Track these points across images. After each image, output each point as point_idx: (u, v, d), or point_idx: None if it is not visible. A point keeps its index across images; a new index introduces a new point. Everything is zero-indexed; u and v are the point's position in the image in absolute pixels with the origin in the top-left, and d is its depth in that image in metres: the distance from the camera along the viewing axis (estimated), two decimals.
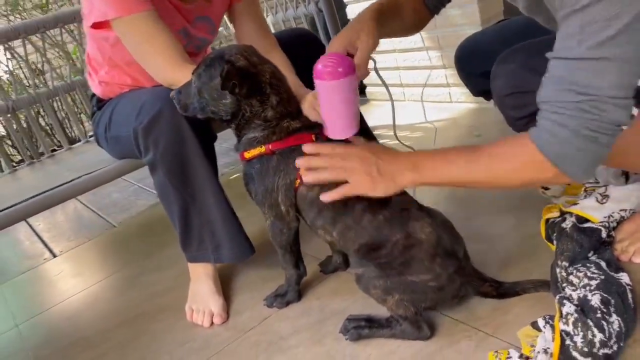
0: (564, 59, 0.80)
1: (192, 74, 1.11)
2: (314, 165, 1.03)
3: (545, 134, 0.83)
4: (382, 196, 0.99)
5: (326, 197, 1.02)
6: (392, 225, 1.03)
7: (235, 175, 2.34)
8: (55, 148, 2.46)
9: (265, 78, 1.08)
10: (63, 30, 2.11)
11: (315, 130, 1.11)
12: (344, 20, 2.72)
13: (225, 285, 1.45)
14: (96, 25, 1.26)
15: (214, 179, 1.29)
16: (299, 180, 1.09)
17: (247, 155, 1.13)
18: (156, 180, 1.31)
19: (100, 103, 1.55)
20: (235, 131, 1.16)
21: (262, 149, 1.11)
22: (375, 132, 2.32)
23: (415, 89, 2.47)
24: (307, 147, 1.05)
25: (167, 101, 1.19)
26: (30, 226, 2.51)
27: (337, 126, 1.07)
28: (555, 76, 0.82)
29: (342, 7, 2.61)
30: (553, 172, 0.84)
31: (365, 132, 1.27)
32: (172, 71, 1.22)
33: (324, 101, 1.05)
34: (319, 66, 1.02)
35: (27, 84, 2.62)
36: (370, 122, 2.41)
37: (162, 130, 1.20)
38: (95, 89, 1.53)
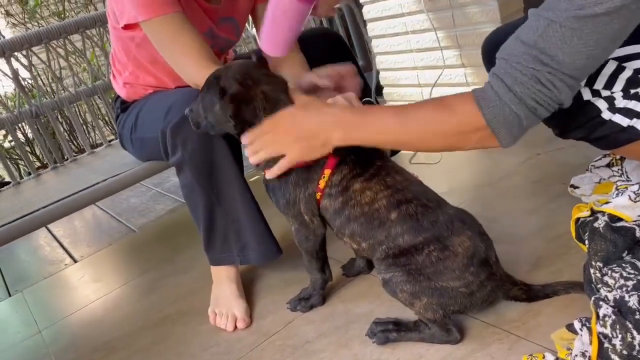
0: (544, 18, 0.78)
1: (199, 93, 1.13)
2: (253, 150, 1.05)
3: (490, 93, 0.83)
4: (318, 158, 1.01)
5: (270, 173, 1.06)
6: (429, 240, 1.00)
7: (258, 177, 2.33)
8: (76, 153, 2.48)
9: (258, 103, 1.06)
10: (84, 36, 2.12)
11: None
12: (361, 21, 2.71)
13: (247, 289, 1.44)
14: (126, 27, 1.27)
15: (241, 178, 1.29)
16: (319, 194, 1.09)
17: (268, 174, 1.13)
18: (183, 180, 1.31)
19: (124, 105, 1.56)
20: None
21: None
22: None
23: (434, 88, 2.44)
24: (244, 139, 1.07)
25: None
26: (51, 232, 2.53)
27: (273, 40, 1.06)
28: (526, 36, 0.80)
29: (358, 5, 2.59)
30: (483, 132, 0.84)
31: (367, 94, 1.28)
32: (199, 71, 1.21)
33: (273, 11, 1.03)
34: None
35: (47, 90, 2.63)
36: None
37: (190, 130, 1.20)
38: (120, 90, 1.54)
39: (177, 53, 1.24)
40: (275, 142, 1.02)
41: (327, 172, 1.07)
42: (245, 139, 1.07)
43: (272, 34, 1.06)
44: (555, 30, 0.76)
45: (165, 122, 1.24)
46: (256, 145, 1.05)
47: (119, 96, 1.57)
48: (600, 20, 0.73)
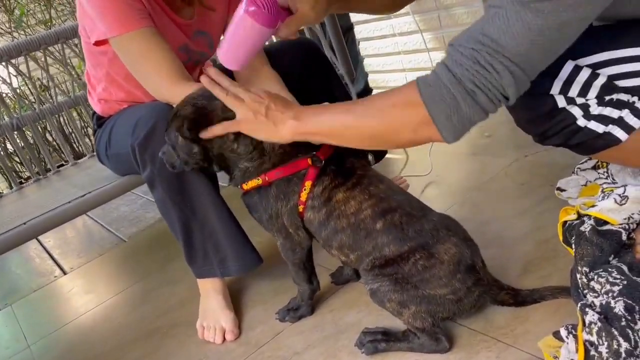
0: (492, 7, 0.77)
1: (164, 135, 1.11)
2: (214, 92, 1.02)
3: (432, 76, 0.81)
4: (262, 139, 1.01)
5: (206, 133, 1.04)
6: (415, 249, 0.99)
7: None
8: (63, 163, 2.45)
9: (217, 115, 1.04)
10: (65, 46, 2.10)
11: (310, 154, 1.07)
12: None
13: (235, 300, 1.43)
14: (97, 43, 1.25)
15: (213, 192, 1.27)
16: (302, 207, 1.08)
17: (245, 187, 1.12)
18: (156, 195, 1.30)
19: (100, 121, 1.55)
20: (226, 173, 1.14)
21: (258, 181, 1.09)
22: None
23: None
24: (209, 72, 1.04)
25: (162, 115, 1.18)
26: (41, 243, 2.51)
27: (232, 55, 1.05)
28: (476, 24, 0.79)
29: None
30: (422, 116, 0.82)
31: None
32: (168, 88, 1.20)
33: (234, 28, 1.02)
34: (252, 3, 0.98)
35: (32, 100, 2.61)
36: None
37: (157, 145, 1.18)
38: (95, 106, 1.53)
39: (147, 69, 1.22)
40: (237, 100, 1.00)
41: (308, 183, 1.06)
42: (208, 73, 1.04)
43: (232, 49, 1.05)
44: (500, 16, 0.75)
45: (133, 138, 1.22)
46: (219, 91, 1.01)
47: (95, 112, 1.55)
48: (543, 6, 0.72)
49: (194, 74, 1.46)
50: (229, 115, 1.03)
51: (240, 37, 1.02)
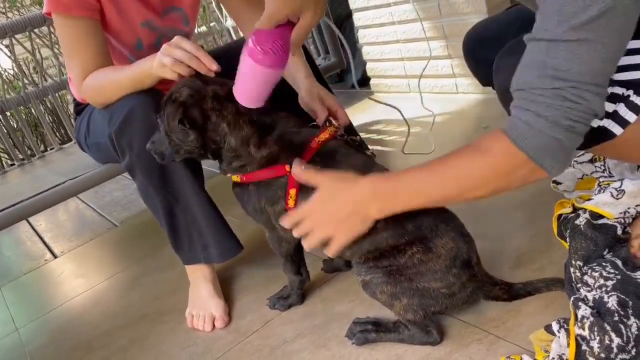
0: (543, 41, 0.75)
1: (157, 118, 1.07)
2: (299, 234, 0.98)
3: (520, 125, 0.79)
4: (364, 231, 0.95)
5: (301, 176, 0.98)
6: (412, 242, 0.98)
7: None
8: (50, 147, 2.43)
9: (207, 104, 1.01)
10: (52, 29, 2.06)
11: (289, 160, 1.03)
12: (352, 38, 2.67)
13: (226, 288, 1.42)
14: (47, 14, 1.25)
15: (192, 178, 1.25)
16: (288, 207, 1.05)
17: (233, 178, 1.11)
18: (137, 183, 1.28)
19: (78, 107, 1.53)
20: (218, 162, 1.11)
21: (237, 178, 1.09)
22: (375, 127, 2.28)
23: (421, 80, 2.41)
24: (285, 222, 0.99)
25: (137, 102, 1.17)
26: (32, 226, 2.49)
27: (247, 95, 1.01)
28: (533, 60, 0.77)
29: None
30: (528, 167, 0.80)
31: (349, 130, 1.23)
32: (77, 80, 1.25)
33: (246, 71, 0.97)
34: (256, 45, 0.92)
35: (23, 83, 2.59)
36: (373, 116, 2.38)
37: (134, 131, 1.17)
38: (74, 91, 1.50)
39: (72, 58, 1.26)
40: (319, 228, 0.96)
41: (293, 192, 1.03)
42: (285, 222, 0.99)
43: (247, 92, 1.01)
44: (559, 47, 0.73)
45: (110, 126, 1.21)
46: (301, 230, 0.98)
47: (74, 98, 1.53)
48: (597, 24, 0.71)
49: None
50: (217, 107, 1.01)
51: (254, 82, 0.98)
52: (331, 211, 0.94)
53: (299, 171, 0.98)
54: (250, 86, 1.00)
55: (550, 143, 0.78)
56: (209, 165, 1.40)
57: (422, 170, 0.90)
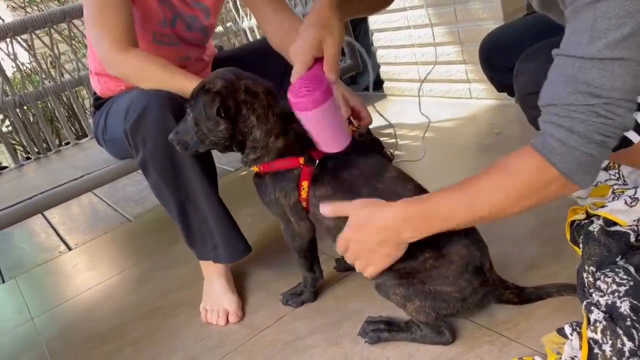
0: (575, 57, 0.75)
1: (185, 107, 1.09)
2: (349, 260, 1.01)
3: (552, 142, 0.79)
4: (401, 255, 0.96)
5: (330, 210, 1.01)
6: (425, 247, 0.98)
7: (245, 173, 2.32)
8: (65, 142, 2.46)
9: (240, 97, 1.04)
10: (72, 25, 2.09)
11: (304, 154, 1.06)
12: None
13: (240, 284, 1.44)
14: None
15: (204, 178, 1.26)
16: (305, 204, 1.08)
17: (253, 169, 1.13)
18: (150, 181, 1.29)
19: (98, 102, 1.55)
20: (241, 153, 1.13)
21: (256, 168, 1.11)
22: (389, 130, 2.29)
23: (434, 84, 2.43)
24: (338, 248, 1.01)
25: (153, 99, 1.18)
26: (46, 219, 2.52)
27: (330, 143, 1.04)
28: (564, 75, 0.77)
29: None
30: (559, 183, 0.80)
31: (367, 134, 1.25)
32: (109, 47, 1.23)
33: (310, 127, 1.02)
34: (295, 98, 0.97)
35: (41, 78, 2.63)
36: (378, 122, 2.39)
37: (148, 128, 1.18)
38: (95, 85, 1.53)
39: (98, 21, 1.25)
40: (361, 256, 0.98)
41: (305, 184, 1.06)
42: (338, 248, 1.01)
43: (321, 140, 1.04)
44: (592, 64, 0.74)
45: (125, 123, 1.22)
46: (349, 259, 1.01)
47: (95, 92, 1.55)
48: (630, 42, 0.71)
49: (198, 51, 1.51)
50: (250, 100, 1.04)
51: (318, 128, 1.02)
52: (364, 240, 0.96)
53: (327, 211, 1.01)
54: (322, 135, 1.03)
55: (583, 159, 0.78)
56: (222, 164, 1.42)
57: (453, 192, 0.90)
